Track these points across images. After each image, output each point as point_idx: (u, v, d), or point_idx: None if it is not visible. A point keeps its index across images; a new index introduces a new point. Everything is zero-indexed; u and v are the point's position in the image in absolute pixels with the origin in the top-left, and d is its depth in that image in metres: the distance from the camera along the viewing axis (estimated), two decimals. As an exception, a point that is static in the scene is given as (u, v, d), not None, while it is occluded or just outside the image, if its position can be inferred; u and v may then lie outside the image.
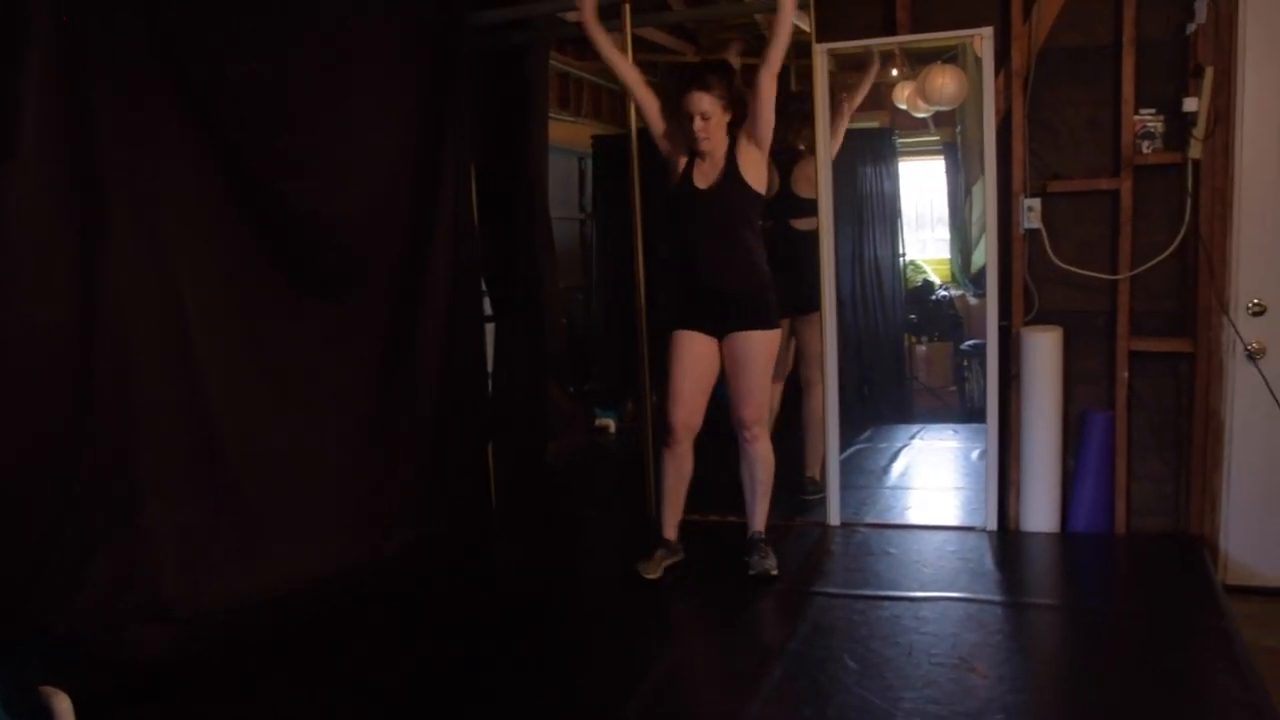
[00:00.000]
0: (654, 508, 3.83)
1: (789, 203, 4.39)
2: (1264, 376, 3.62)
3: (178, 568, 3.13)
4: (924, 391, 6.37)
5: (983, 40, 3.80)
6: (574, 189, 7.15)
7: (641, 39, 5.13)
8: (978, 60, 3.91)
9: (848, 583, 3.55)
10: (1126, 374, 3.81)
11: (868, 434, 5.60)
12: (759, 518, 3.65)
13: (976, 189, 5.58)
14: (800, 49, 4.18)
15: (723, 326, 3.54)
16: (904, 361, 6.41)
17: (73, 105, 2.83)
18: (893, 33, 4.03)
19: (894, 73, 5.43)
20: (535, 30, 4.68)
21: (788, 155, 4.42)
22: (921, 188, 7.31)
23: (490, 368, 4.65)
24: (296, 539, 3.52)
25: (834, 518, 4.10)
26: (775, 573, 3.53)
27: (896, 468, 5.10)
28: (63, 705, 2.63)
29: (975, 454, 5.00)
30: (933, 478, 5.07)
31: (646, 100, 3.61)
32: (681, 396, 3.58)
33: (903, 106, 5.64)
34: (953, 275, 6.87)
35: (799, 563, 3.76)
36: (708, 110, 3.40)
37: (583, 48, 7.04)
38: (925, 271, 7.15)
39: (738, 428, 3.58)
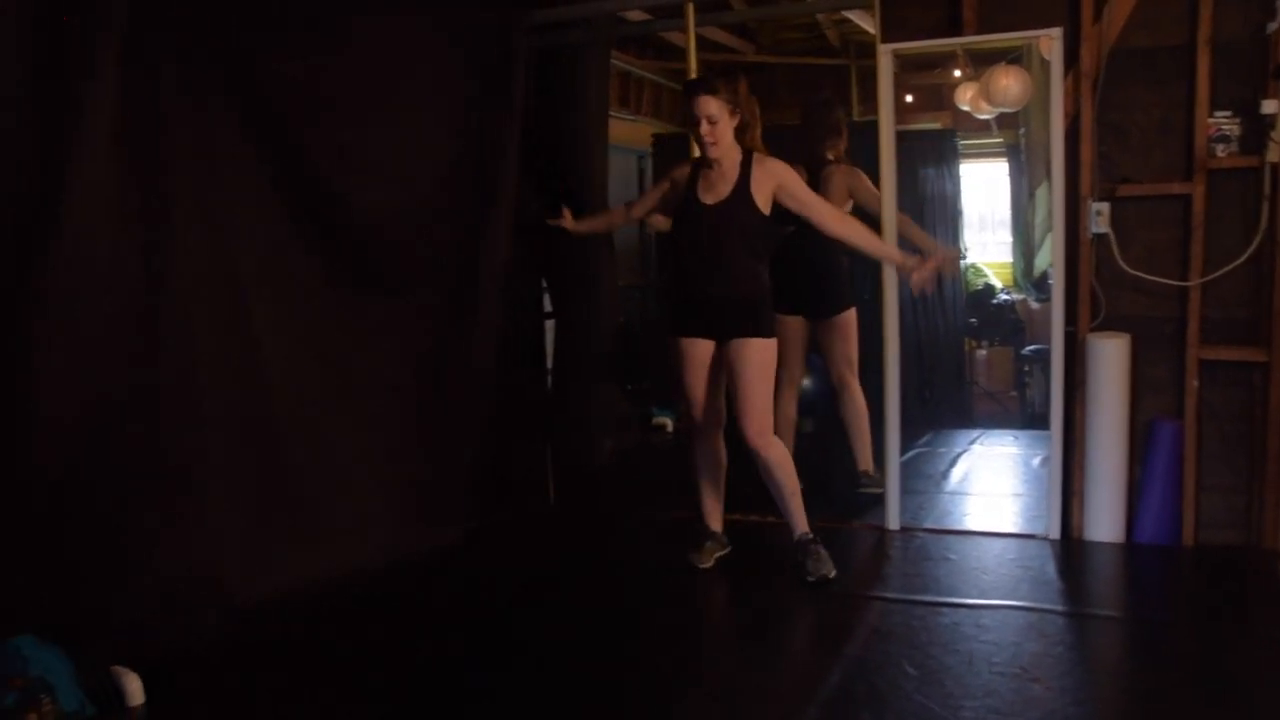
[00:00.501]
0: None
1: None
2: (1341, 387, 3.52)
3: (236, 555, 3.20)
4: (984, 396, 6.28)
5: (1051, 41, 3.73)
6: (633, 187, 7.17)
7: (703, 38, 5.14)
8: (1043, 61, 3.84)
9: (907, 588, 3.52)
10: (1196, 383, 3.72)
11: (927, 438, 5.54)
12: (797, 520, 3.60)
13: (1040, 192, 5.49)
14: (863, 49, 4.16)
15: (720, 332, 3.53)
16: (964, 366, 6.34)
17: (138, 99, 2.90)
18: (959, 33, 3.97)
19: (956, 73, 5.37)
20: (595, 29, 4.70)
21: (816, 165, 4.43)
22: (983, 190, 7.23)
23: (550, 364, 4.68)
24: (351, 529, 3.58)
25: (893, 522, 4.07)
26: (833, 575, 3.50)
27: (956, 473, 5.04)
28: (134, 685, 2.72)
29: (1036, 461, 4.92)
30: (993, 484, 5.00)
31: (657, 204, 3.72)
32: (695, 398, 3.63)
33: (965, 108, 5.57)
34: (1014, 279, 6.78)
35: (857, 567, 3.74)
36: (714, 114, 3.38)
37: (642, 46, 7.08)
38: (986, 275, 7.06)
39: (744, 440, 3.53)
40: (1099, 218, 3.75)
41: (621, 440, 4.99)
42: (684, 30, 4.30)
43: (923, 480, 4.82)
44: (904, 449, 4.14)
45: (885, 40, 3.97)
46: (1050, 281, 3.96)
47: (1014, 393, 6.24)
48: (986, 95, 4.73)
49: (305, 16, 3.40)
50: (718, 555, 3.71)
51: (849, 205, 4.30)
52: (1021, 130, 6.12)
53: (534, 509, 4.52)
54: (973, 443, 5.63)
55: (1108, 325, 3.81)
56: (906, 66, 4.54)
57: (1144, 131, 3.75)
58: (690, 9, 4.21)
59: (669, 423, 6.01)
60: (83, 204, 2.73)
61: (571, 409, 4.70)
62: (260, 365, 3.31)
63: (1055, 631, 3.13)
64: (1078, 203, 3.78)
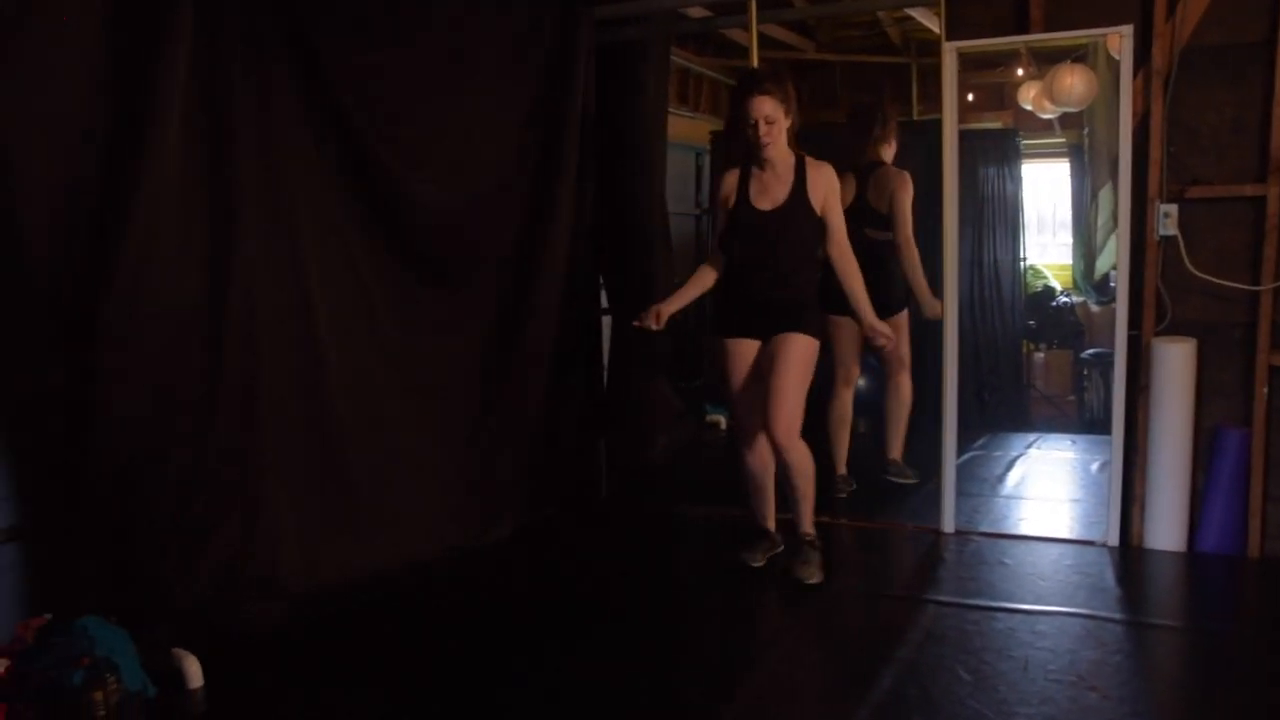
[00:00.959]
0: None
1: (864, 214, 4.37)
2: None
3: (293, 544, 3.25)
4: (1041, 400, 6.20)
5: (1121, 38, 3.66)
6: (691, 184, 7.17)
7: (763, 35, 5.12)
8: (1109, 59, 3.77)
9: (961, 592, 3.48)
10: (1266, 389, 3.63)
11: (983, 441, 5.47)
12: (805, 518, 3.61)
13: (1103, 193, 5.40)
14: (924, 47, 4.11)
15: (766, 331, 3.51)
16: (1022, 368, 6.26)
17: (208, 93, 2.95)
18: (1025, 30, 3.91)
19: (1019, 72, 5.29)
20: (655, 25, 4.70)
21: (868, 166, 4.44)
22: (1044, 191, 7.13)
23: (605, 360, 4.70)
24: (404, 521, 3.62)
25: (948, 525, 4.02)
26: (813, 582, 3.49)
27: (1012, 477, 4.97)
28: (193, 668, 2.78)
29: (1095, 466, 4.85)
30: (1050, 488, 4.93)
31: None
32: (741, 400, 3.61)
33: (1028, 107, 5.50)
34: (1074, 281, 6.68)
35: (911, 569, 3.71)
36: (770, 114, 3.35)
37: (702, 43, 7.07)
38: (1045, 277, 6.96)
39: (770, 440, 3.50)
40: (1167, 220, 3.67)
41: (675, 437, 4.98)
42: (745, 27, 4.29)
43: (978, 483, 4.77)
44: (960, 451, 4.11)
45: (950, 38, 3.93)
46: (1112, 284, 3.90)
47: (1072, 396, 6.16)
48: (1050, 94, 4.68)
49: (372, 10, 3.45)
50: (770, 554, 3.71)
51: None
52: (1085, 130, 6.03)
53: (587, 504, 4.54)
54: (1030, 446, 5.56)
55: (1173, 329, 3.73)
56: (968, 65, 4.47)
57: (1215, 131, 3.67)
58: (753, 5, 4.19)
59: (722, 420, 6.00)
60: (154, 200, 2.79)
61: (626, 405, 4.71)
62: (322, 359, 3.35)
63: (1113, 639, 3.07)
64: (1145, 204, 3.71)
